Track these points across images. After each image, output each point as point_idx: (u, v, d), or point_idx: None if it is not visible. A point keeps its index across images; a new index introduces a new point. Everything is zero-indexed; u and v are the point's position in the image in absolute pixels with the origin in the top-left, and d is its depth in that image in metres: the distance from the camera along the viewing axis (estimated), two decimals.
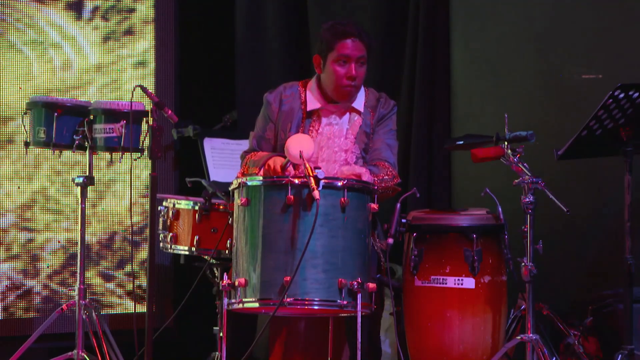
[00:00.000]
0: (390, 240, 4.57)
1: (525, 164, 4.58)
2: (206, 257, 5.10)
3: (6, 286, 6.01)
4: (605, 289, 5.30)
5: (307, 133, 4.81)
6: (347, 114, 4.86)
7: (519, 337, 4.57)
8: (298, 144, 4.38)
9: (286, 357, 4.75)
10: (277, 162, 4.57)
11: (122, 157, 4.90)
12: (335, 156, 4.81)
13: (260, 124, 4.90)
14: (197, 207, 5.10)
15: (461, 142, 4.87)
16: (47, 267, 6.10)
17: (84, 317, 4.90)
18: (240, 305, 4.32)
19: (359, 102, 4.86)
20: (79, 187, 4.93)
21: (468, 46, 6.03)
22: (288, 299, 4.20)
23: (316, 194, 4.17)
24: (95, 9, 6.25)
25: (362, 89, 4.88)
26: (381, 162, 4.79)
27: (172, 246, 5.19)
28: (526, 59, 5.81)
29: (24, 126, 5.04)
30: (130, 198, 5.17)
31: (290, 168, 4.58)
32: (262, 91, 4.97)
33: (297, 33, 6.57)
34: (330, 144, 4.82)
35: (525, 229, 4.53)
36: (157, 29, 6.37)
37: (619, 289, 4.96)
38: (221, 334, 4.39)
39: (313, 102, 4.83)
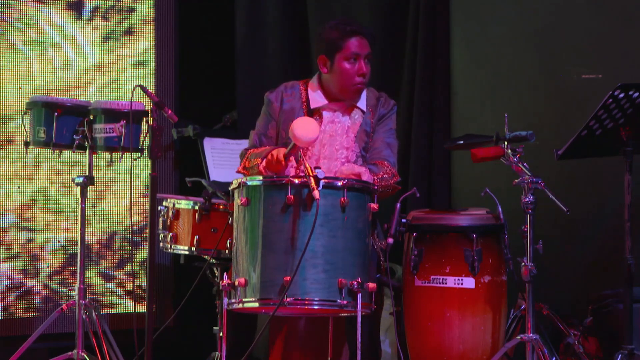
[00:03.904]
0: (390, 240, 4.57)
1: (525, 164, 4.58)
2: (206, 257, 5.10)
3: (6, 286, 6.01)
4: (605, 289, 5.29)
5: None
6: (349, 112, 4.87)
7: (519, 337, 4.57)
8: (303, 127, 4.36)
9: (285, 356, 4.75)
10: (280, 151, 4.57)
11: (122, 157, 4.90)
12: (337, 154, 4.82)
13: (262, 122, 4.91)
14: (197, 207, 5.10)
15: (461, 142, 4.87)
16: (47, 267, 6.10)
17: (84, 317, 4.90)
18: (240, 305, 4.32)
19: (362, 102, 4.87)
20: (79, 187, 4.93)
21: (468, 46, 6.03)
22: (288, 299, 4.20)
23: (316, 193, 4.17)
24: (95, 9, 6.26)
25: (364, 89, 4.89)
26: (380, 161, 4.80)
27: (172, 246, 5.19)
28: (526, 59, 5.81)
29: (24, 126, 5.04)
30: (130, 198, 5.17)
31: (293, 161, 4.57)
32: (262, 91, 4.97)
33: (297, 33, 6.57)
34: (332, 141, 4.83)
35: (525, 229, 4.53)
36: (157, 29, 6.38)
37: (619, 289, 4.96)
38: (221, 334, 4.39)
39: (316, 101, 4.84)
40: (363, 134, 4.85)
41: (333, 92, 4.83)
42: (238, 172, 4.80)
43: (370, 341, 4.73)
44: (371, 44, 4.80)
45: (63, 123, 4.91)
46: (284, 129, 4.82)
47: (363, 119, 4.86)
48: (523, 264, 4.53)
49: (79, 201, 4.95)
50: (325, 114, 4.86)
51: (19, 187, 6.05)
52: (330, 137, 4.83)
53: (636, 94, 4.57)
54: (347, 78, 4.77)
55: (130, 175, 4.94)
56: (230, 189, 4.49)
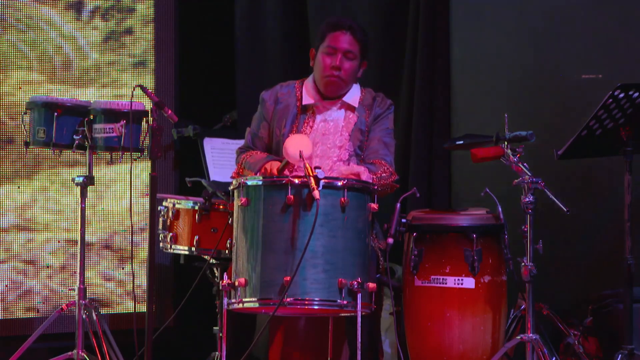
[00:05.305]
0: (390, 240, 4.57)
1: (525, 164, 4.58)
2: (206, 257, 5.10)
3: (6, 286, 6.01)
4: (605, 289, 5.30)
5: (302, 129, 4.83)
6: (343, 111, 4.87)
7: (519, 337, 4.57)
8: (297, 144, 4.38)
9: (285, 356, 4.75)
10: (273, 166, 4.59)
11: (122, 157, 4.90)
12: (329, 152, 4.83)
13: (255, 122, 4.94)
14: (197, 207, 5.10)
15: (461, 142, 4.87)
16: (47, 267, 6.09)
17: (84, 317, 4.90)
18: (240, 305, 4.32)
19: (354, 98, 4.86)
20: (79, 187, 4.93)
21: (468, 46, 6.03)
22: (288, 299, 4.20)
23: (316, 193, 4.17)
24: (95, 9, 6.25)
25: (359, 89, 4.89)
26: (378, 160, 4.81)
27: (172, 246, 5.19)
28: (526, 59, 5.81)
29: (24, 126, 5.04)
30: (130, 198, 5.17)
31: (286, 172, 4.58)
32: (262, 91, 4.97)
33: (297, 33, 6.57)
34: (324, 140, 4.83)
35: (525, 229, 4.53)
36: (157, 29, 6.38)
37: (619, 289, 4.96)
38: (221, 334, 4.39)
39: (308, 98, 4.85)
40: (358, 133, 4.85)
41: (318, 86, 4.85)
42: (232, 177, 4.80)
43: (370, 341, 4.73)
44: (359, 42, 4.77)
45: (63, 123, 4.91)
46: (278, 127, 4.85)
47: (358, 118, 4.86)
48: (523, 264, 4.53)
49: (79, 201, 4.95)
50: (317, 111, 4.86)
51: (19, 187, 6.05)
52: (322, 136, 4.84)
53: (636, 94, 4.57)
54: (321, 69, 4.79)
55: (130, 175, 4.93)
56: (230, 189, 4.49)
